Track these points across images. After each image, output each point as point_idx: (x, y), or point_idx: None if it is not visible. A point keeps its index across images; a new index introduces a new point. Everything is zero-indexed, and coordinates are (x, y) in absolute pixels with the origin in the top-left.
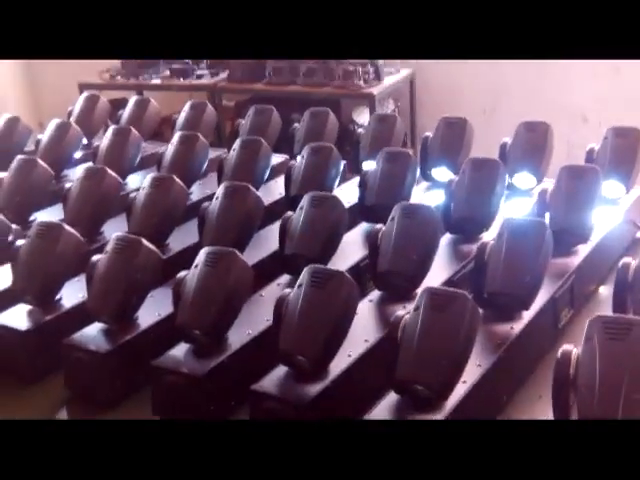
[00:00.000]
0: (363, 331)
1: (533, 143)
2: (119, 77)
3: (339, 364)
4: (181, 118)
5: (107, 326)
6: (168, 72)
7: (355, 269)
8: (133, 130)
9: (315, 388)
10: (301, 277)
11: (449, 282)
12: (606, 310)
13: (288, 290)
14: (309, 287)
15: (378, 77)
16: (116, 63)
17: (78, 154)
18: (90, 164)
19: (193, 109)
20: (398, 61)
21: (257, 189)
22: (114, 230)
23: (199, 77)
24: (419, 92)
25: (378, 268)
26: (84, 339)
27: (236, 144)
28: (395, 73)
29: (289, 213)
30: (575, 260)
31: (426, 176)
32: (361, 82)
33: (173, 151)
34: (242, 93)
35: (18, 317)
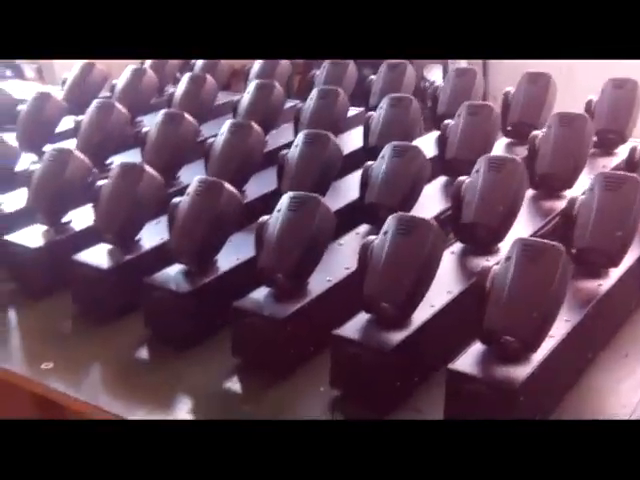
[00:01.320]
0: (446, 283)
1: (620, 100)
2: None
3: (422, 314)
4: (255, 68)
5: (187, 268)
6: None
7: (436, 221)
8: (208, 77)
9: (398, 336)
10: (386, 224)
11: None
12: None
13: (372, 237)
14: (395, 234)
15: None
16: None
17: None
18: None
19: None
20: None
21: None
22: (191, 176)
23: None
24: None
25: (462, 219)
26: (164, 279)
27: (313, 94)
28: None
29: (369, 163)
30: None
31: (506, 132)
32: None
33: (249, 99)
34: None
35: (99, 256)
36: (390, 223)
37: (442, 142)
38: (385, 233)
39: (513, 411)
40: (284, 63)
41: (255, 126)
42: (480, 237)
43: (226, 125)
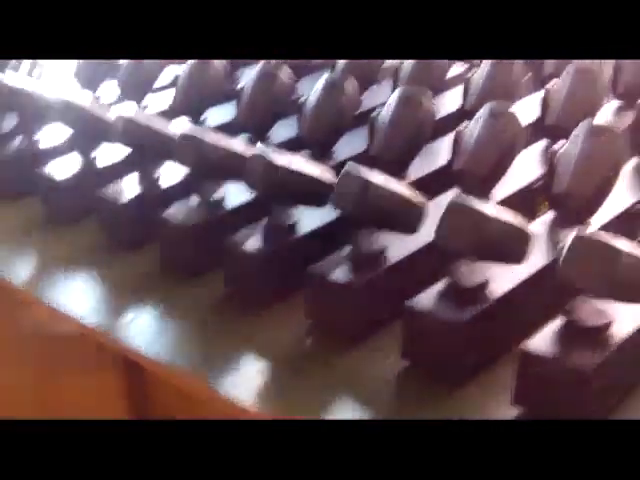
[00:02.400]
0: (534, 253)
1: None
2: None
3: (503, 285)
4: None
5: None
6: None
7: (527, 189)
8: None
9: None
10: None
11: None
12: None
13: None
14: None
15: None
16: None
17: None
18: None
19: None
20: None
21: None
22: (284, 132)
23: None
24: None
25: (555, 189)
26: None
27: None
28: None
29: (464, 125)
30: None
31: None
32: None
33: None
34: None
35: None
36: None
37: (545, 105)
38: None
39: (585, 397)
40: None
41: (353, 80)
42: (573, 207)
43: (321, 82)
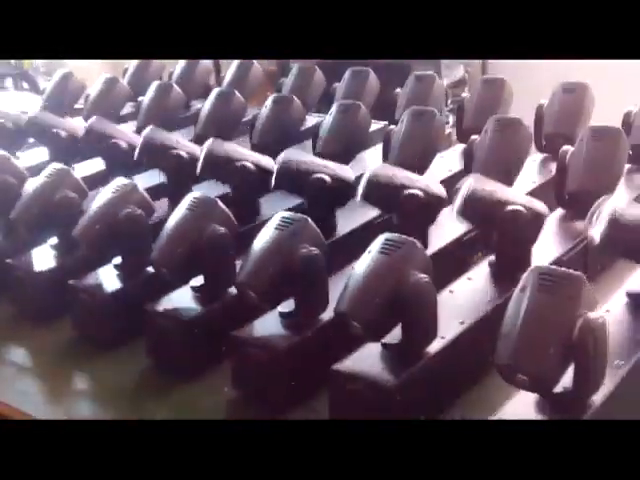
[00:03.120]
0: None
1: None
2: None
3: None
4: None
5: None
6: None
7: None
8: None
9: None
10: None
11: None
12: None
13: None
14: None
15: None
16: None
17: None
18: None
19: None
20: None
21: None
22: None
23: None
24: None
25: (568, 187)
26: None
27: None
28: None
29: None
30: None
31: (540, 147)
32: None
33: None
34: None
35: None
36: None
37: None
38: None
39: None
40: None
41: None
42: (583, 204)
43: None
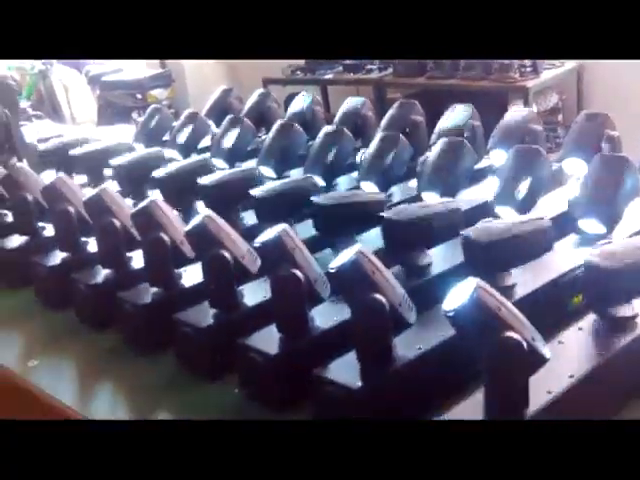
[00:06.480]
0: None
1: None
2: (298, 72)
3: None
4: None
5: None
6: (341, 68)
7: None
8: None
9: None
10: None
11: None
12: None
13: None
14: None
15: (535, 70)
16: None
17: None
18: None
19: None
20: None
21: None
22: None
23: (368, 72)
24: (588, 86)
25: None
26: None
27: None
28: (559, 66)
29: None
30: None
31: None
32: (517, 75)
33: None
34: (405, 87)
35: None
36: None
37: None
38: None
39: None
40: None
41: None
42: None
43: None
